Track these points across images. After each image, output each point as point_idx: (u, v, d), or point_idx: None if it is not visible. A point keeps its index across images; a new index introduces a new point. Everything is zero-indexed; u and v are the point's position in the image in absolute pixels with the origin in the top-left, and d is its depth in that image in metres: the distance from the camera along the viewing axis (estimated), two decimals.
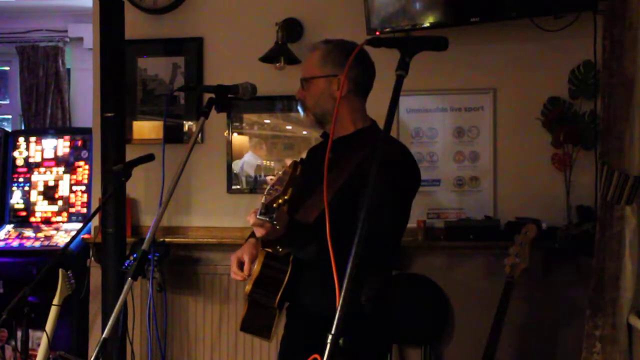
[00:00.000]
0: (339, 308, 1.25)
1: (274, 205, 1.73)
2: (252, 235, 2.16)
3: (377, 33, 3.54)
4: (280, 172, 1.79)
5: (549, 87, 3.59)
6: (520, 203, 3.59)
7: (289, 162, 1.81)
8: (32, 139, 4.67)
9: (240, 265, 2.05)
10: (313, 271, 1.99)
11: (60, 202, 4.54)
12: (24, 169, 4.63)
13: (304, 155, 2.37)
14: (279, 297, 1.97)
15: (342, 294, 1.25)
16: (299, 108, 2.20)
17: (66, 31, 5.74)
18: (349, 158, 2.01)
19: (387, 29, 3.54)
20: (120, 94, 3.65)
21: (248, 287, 2.00)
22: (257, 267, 1.99)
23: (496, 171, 3.68)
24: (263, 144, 3.89)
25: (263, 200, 1.76)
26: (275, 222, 1.76)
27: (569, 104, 3.55)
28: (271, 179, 1.80)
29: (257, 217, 1.76)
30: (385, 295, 2.13)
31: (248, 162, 3.91)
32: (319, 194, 1.99)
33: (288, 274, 1.97)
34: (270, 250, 1.99)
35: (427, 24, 3.48)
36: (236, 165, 3.94)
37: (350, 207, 1.87)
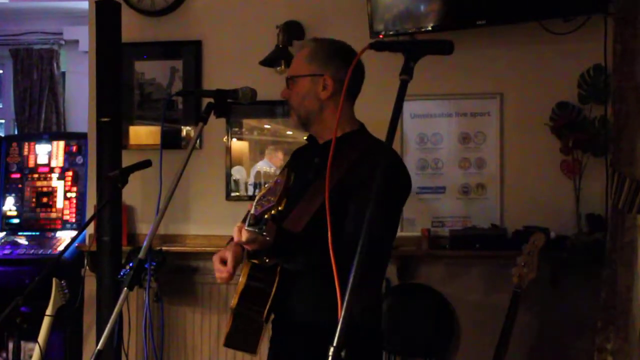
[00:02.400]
0: (341, 319, 1.25)
1: (265, 216, 1.70)
2: (231, 240, 2.15)
3: (381, 36, 3.55)
4: (271, 182, 1.76)
5: (557, 91, 3.59)
6: (528, 211, 3.59)
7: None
8: (26, 144, 4.68)
9: (224, 264, 2.02)
10: (303, 281, 1.99)
11: (54, 209, 4.54)
12: (17, 175, 4.63)
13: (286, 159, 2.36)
14: (267, 309, 1.96)
15: (345, 304, 1.25)
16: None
17: (61, 33, 5.76)
18: (337, 163, 2.01)
19: (391, 32, 3.55)
20: (117, 98, 3.66)
21: (234, 301, 1.98)
22: (242, 279, 1.97)
23: (503, 178, 3.68)
24: (279, 152, 3.89)
25: (252, 210, 1.73)
26: (265, 234, 1.74)
27: (578, 109, 3.55)
28: (262, 189, 1.78)
29: (246, 228, 1.74)
30: (378, 304, 2.13)
31: (261, 169, 3.91)
32: (306, 201, 1.99)
33: (275, 285, 1.96)
34: (256, 261, 1.97)
35: (431, 27, 3.49)
36: (238, 172, 3.94)
37: (339, 214, 1.87)
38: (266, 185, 1.77)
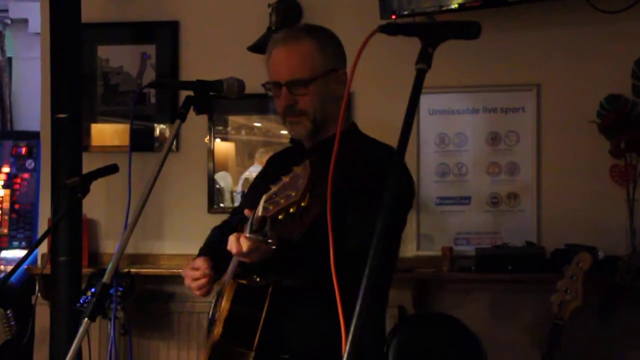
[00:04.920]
0: (346, 354, 1.26)
1: (279, 217, 1.68)
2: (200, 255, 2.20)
3: (394, 17, 3.57)
4: (285, 178, 1.74)
5: (607, 82, 3.61)
6: (570, 226, 3.61)
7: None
8: None
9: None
10: (300, 305, 2.01)
11: None
12: None
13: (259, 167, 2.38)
14: (257, 339, 1.97)
15: (351, 335, 1.25)
16: (288, 119, 2.17)
17: (6, 11, 5.77)
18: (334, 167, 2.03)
19: (406, 12, 3.57)
20: (76, 90, 3.68)
21: (217, 330, 1.98)
22: (225, 304, 1.98)
23: (540, 187, 3.70)
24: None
25: (260, 212, 1.72)
26: (270, 241, 1.74)
27: (632, 103, 3.57)
28: (272, 187, 1.74)
29: (247, 235, 1.75)
30: (382, 335, 2.18)
31: (251, 176, 3.92)
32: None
33: (265, 309, 1.97)
34: (244, 281, 1.98)
35: (455, 5, 3.51)
36: (223, 179, 3.95)
37: (338, 223, 1.89)
38: (278, 183, 1.73)
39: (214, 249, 2.20)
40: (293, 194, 1.66)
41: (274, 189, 1.71)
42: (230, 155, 3.98)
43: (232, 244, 1.81)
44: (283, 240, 1.83)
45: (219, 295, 2.14)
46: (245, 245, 1.78)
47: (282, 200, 1.68)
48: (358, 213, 1.93)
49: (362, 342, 1.21)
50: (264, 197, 1.72)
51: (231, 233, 2.25)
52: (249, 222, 1.77)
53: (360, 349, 1.23)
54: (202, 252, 2.23)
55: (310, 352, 2.02)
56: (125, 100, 4.04)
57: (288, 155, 2.29)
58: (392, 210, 1.35)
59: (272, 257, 1.83)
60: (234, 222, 2.37)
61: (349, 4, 3.76)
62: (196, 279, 2.08)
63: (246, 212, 1.82)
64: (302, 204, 1.66)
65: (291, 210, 1.68)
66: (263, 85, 2.18)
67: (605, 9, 3.45)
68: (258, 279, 1.97)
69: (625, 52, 3.58)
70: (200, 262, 2.09)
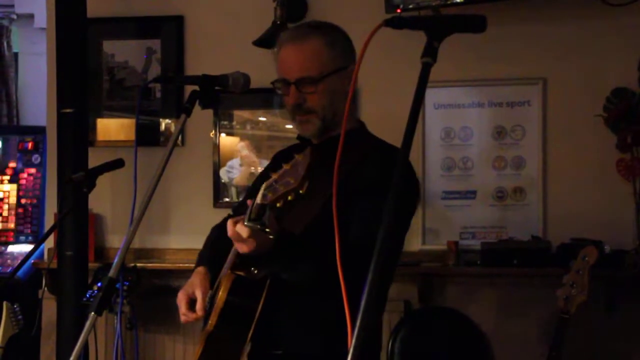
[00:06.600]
0: (351, 351, 1.25)
1: (278, 204, 1.66)
2: (201, 261, 2.21)
3: (399, 10, 3.57)
4: (286, 166, 1.72)
5: (613, 75, 3.60)
6: (576, 220, 3.60)
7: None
8: None
9: (193, 304, 2.07)
10: (296, 300, 2.01)
11: (5, 219, 4.56)
12: None
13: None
14: (251, 332, 1.97)
15: (356, 334, 1.25)
16: (297, 117, 2.17)
17: (12, 6, 5.77)
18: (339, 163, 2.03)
19: (411, 6, 3.56)
20: (81, 85, 3.68)
21: (211, 321, 1.97)
22: (221, 294, 1.97)
23: (546, 181, 3.69)
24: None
25: (259, 199, 1.70)
26: (267, 230, 1.73)
27: (639, 96, 3.56)
28: (273, 175, 1.71)
29: (245, 224, 1.74)
30: (379, 333, 2.19)
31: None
32: (302, 205, 2.00)
33: (262, 301, 1.96)
34: (242, 272, 1.98)
35: None
36: (229, 171, 3.95)
37: (341, 220, 1.89)
38: (278, 172, 1.70)
39: (216, 257, 2.20)
40: (292, 180, 1.65)
41: (274, 176, 1.69)
42: (235, 149, 3.98)
43: (229, 228, 1.80)
44: (283, 232, 1.83)
45: (216, 289, 2.15)
46: (242, 231, 1.77)
47: (281, 188, 1.66)
48: (359, 212, 1.94)
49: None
50: (264, 185, 1.71)
51: None
52: (248, 211, 1.75)
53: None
54: (204, 259, 2.24)
55: (304, 347, 2.03)
56: (130, 95, 4.04)
57: (294, 151, 2.29)
58: (396, 207, 1.34)
59: (272, 249, 1.82)
60: None
61: None
62: (187, 316, 2.08)
63: (248, 202, 1.81)
64: (300, 191, 1.64)
65: (289, 197, 1.67)
66: (272, 83, 2.17)
67: (613, 1, 3.43)
68: (256, 271, 1.97)
69: (631, 45, 3.57)
70: (200, 298, 2.06)
